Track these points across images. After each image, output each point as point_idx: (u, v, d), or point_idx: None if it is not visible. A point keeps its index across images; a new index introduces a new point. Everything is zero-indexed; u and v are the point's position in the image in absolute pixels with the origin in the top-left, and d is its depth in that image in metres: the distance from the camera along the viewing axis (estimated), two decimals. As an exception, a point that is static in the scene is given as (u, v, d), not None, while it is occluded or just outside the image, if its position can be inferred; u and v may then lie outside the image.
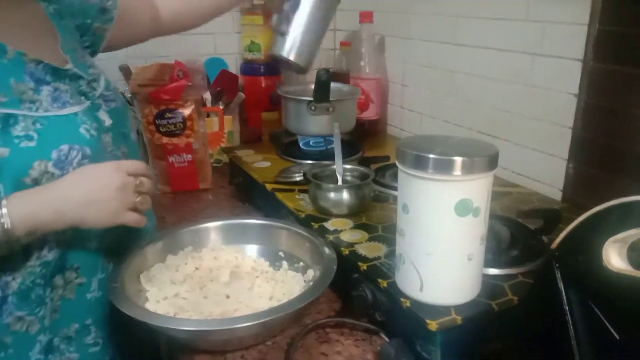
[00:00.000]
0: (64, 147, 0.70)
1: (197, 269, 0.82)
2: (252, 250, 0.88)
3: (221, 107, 1.38)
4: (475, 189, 0.59)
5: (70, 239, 0.74)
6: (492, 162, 0.59)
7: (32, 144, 0.67)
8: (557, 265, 0.51)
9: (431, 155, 0.58)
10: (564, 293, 0.50)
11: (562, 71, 0.92)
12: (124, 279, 0.73)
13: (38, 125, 0.69)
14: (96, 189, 0.69)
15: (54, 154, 0.69)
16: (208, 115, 1.35)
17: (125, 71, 1.27)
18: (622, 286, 0.44)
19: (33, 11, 0.78)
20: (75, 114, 0.74)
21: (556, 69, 0.94)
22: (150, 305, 0.73)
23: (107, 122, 0.79)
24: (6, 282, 0.70)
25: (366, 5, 1.39)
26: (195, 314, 0.72)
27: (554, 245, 0.52)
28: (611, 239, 0.46)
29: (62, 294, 0.76)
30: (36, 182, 0.68)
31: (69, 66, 0.77)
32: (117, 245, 0.81)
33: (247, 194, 1.18)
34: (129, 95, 1.27)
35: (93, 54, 0.92)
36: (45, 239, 0.72)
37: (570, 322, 0.49)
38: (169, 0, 1.01)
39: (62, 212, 0.67)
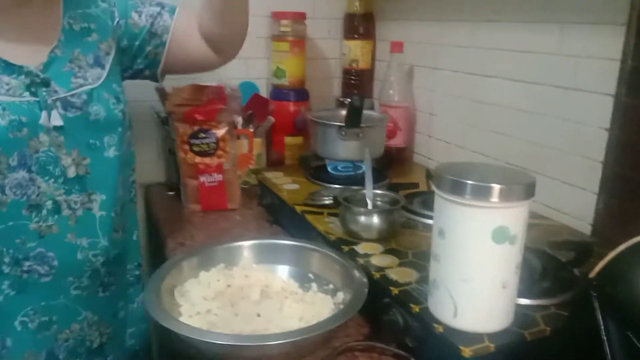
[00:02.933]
0: None
1: (228, 286, 0.83)
2: (282, 270, 0.89)
3: (251, 130, 1.41)
4: (513, 216, 0.60)
5: None
6: (529, 190, 0.60)
7: None
8: (595, 294, 0.51)
9: (469, 181, 0.59)
10: (602, 323, 0.50)
11: (594, 105, 0.93)
12: (161, 291, 0.74)
13: None
14: None
15: None
16: (238, 137, 1.38)
17: (161, 92, 1.31)
18: (664, 318, 0.45)
19: (44, 16, 0.83)
20: None
21: (588, 103, 0.95)
22: (183, 320, 0.73)
23: (54, 122, 0.81)
24: None
25: (398, 36, 1.43)
26: (227, 331, 0.73)
27: (592, 274, 0.52)
28: (653, 269, 0.46)
29: None
30: None
31: (33, 66, 0.80)
32: None
33: (275, 215, 1.19)
34: (164, 115, 1.31)
35: (153, 75, 0.98)
36: None
37: (609, 353, 0.49)
38: (203, 3, 0.96)
39: None
